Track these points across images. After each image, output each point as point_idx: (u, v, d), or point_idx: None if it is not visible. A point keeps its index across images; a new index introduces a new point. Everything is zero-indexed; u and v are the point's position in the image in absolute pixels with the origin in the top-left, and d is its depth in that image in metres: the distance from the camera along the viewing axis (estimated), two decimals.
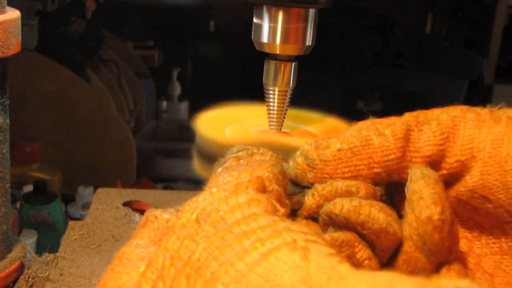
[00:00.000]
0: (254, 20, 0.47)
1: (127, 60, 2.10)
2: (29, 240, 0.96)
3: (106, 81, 1.79)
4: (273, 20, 0.45)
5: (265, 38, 0.46)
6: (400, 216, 0.34)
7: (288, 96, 0.48)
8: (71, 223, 0.59)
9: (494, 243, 0.34)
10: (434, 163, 0.34)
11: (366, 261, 0.31)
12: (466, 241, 0.35)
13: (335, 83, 2.29)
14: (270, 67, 0.48)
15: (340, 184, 0.34)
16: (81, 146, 1.57)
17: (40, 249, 0.80)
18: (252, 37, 0.47)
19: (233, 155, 0.34)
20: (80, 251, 0.54)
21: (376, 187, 0.34)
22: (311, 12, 0.46)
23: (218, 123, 0.50)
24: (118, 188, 0.69)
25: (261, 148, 0.35)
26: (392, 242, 0.32)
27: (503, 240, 0.34)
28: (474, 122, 0.34)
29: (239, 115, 0.53)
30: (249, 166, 0.32)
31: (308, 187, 0.36)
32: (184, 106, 2.45)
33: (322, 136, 0.51)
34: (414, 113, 0.35)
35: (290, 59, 0.47)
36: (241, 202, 0.27)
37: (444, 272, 0.31)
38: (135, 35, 2.40)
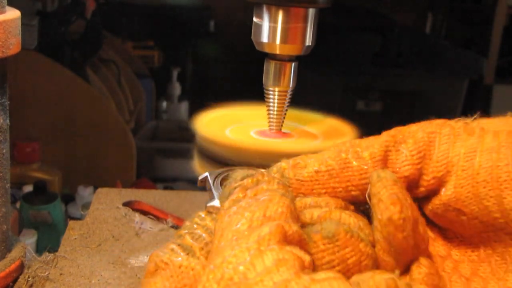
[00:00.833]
0: (254, 20, 0.47)
1: (127, 60, 2.10)
2: (29, 240, 0.96)
3: (106, 81, 1.79)
4: (273, 20, 0.45)
5: (265, 38, 0.46)
6: None
7: (288, 96, 0.48)
8: (71, 223, 0.59)
9: (472, 251, 0.34)
10: (413, 182, 0.34)
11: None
12: (445, 247, 0.35)
13: (335, 83, 2.29)
14: (270, 67, 0.48)
15: (309, 200, 0.34)
16: (81, 146, 1.57)
17: (40, 249, 0.80)
18: (252, 37, 0.47)
19: (238, 185, 0.33)
20: (80, 251, 0.54)
21: (348, 204, 0.34)
22: (311, 12, 0.46)
23: (218, 123, 0.50)
24: (118, 188, 0.69)
25: (265, 173, 0.34)
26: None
27: (482, 248, 0.34)
28: (449, 136, 0.34)
29: (239, 115, 0.53)
30: (260, 203, 0.30)
31: None
32: (184, 106, 2.45)
33: (322, 140, 0.51)
34: (392, 132, 0.35)
35: (290, 59, 0.47)
36: (268, 266, 0.26)
37: (414, 269, 0.31)
38: (135, 35, 2.40)
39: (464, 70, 2.36)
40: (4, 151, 0.47)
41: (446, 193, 0.33)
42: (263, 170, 0.35)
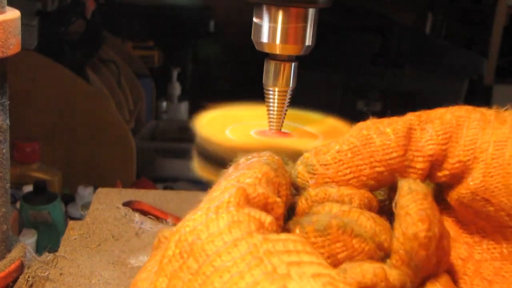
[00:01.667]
0: (254, 20, 0.47)
1: (127, 60, 2.10)
2: (29, 240, 0.96)
3: (106, 81, 1.79)
4: (273, 20, 0.45)
5: (265, 38, 0.46)
6: None
7: (288, 96, 0.48)
8: (71, 223, 0.59)
9: (495, 248, 0.34)
10: (436, 163, 0.33)
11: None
12: (467, 246, 0.35)
13: (335, 83, 2.29)
14: (270, 67, 0.48)
15: (334, 191, 0.33)
16: (81, 146, 1.57)
17: (40, 249, 0.80)
18: (252, 37, 0.47)
19: (234, 161, 0.34)
20: (80, 251, 0.54)
21: (373, 198, 0.34)
22: (311, 12, 0.46)
23: (218, 124, 0.50)
24: (118, 188, 0.69)
25: (263, 152, 0.34)
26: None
27: (504, 245, 0.33)
28: (479, 122, 0.33)
29: (239, 115, 0.53)
30: (239, 171, 0.31)
31: None
32: (184, 106, 2.45)
33: (322, 140, 0.51)
34: (417, 113, 0.35)
35: (290, 59, 0.47)
36: (222, 227, 0.27)
37: (429, 286, 0.31)
38: (135, 35, 2.40)
39: (464, 70, 2.36)
40: (4, 151, 0.47)
41: (475, 181, 0.32)
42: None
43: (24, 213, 1.13)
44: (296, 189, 0.35)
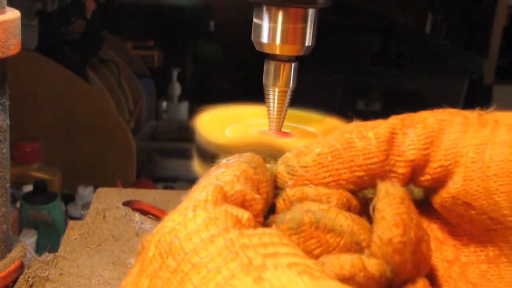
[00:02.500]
0: (254, 20, 0.47)
1: (127, 60, 2.10)
2: (29, 239, 0.96)
3: (106, 81, 1.79)
4: (273, 20, 0.45)
5: (265, 38, 0.46)
6: None
7: (288, 96, 0.48)
8: (71, 222, 0.59)
9: (481, 251, 0.33)
10: (418, 168, 0.33)
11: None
12: (454, 249, 0.34)
13: (335, 83, 2.29)
14: (270, 67, 0.48)
15: (311, 191, 0.33)
16: (81, 146, 1.57)
17: (40, 249, 0.80)
18: (252, 37, 0.47)
19: (215, 162, 0.34)
20: (80, 251, 0.54)
21: (352, 197, 0.33)
22: (311, 12, 0.46)
23: (218, 123, 0.50)
24: (118, 188, 0.69)
25: (252, 154, 0.34)
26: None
27: (490, 248, 0.33)
28: (461, 126, 0.33)
29: (239, 115, 0.53)
30: (219, 169, 0.31)
31: None
32: (184, 106, 2.45)
33: (308, 142, 0.51)
34: (401, 116, 0.34)
35: (290, 59, 0.47)
36: (199, 224, 0.27)
37: None
38: (135, 35, 2.40)
39: (464, 70, 2.36)
40: (4, 151, 0.47)
41: (455, 185, 0.32)
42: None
43: (24, 213, 1.13)
44: (277, 188, 0.35)
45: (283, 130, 0.49)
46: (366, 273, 0.28)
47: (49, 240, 0.71)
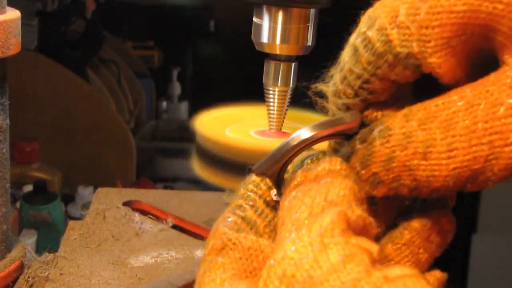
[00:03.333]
0: (254, 20, 0.47)
1: (127, 60, 2.10)
2: (29, 240, 0.96)
3: (106, 81, 1.79)
4: (273, 20, 0.45)
5: (265, 38, 0.46)
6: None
7: (288, 96, 0.48)
8: (71, 222, 0.59)
9: None
10: None
11: None
12: None
13: None
14: (270, 67, 0.48)
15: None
16: (81, 146, 1.57)
17: (40, 249, 0.80)
18: (252, 37, 0.47)
19: (299, 168, 0.31)
20: (80, 251, 0.54)
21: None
22: (311, 12, 0.46)
23: (218, 123, 0.50)
24: (118, 188, 0.69)
25: (327, 153, 0.32)
26: None
27: None
28: None
29: (239, 115, 0.53)
30: (321, 186, 0.28)
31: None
32: (184, 106, 2.45)
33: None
34: None
35: (290, 59, 0.47)
36: (334, 263, 0.24)
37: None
38: (135, 35, 2.40)
39: None
40: (4, 151, 0.47)
41: None
42: (323, 150, 0.32)
43: (24, 213, 1.13)
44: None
45: (283, 129, 0.49)
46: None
47: (49, 240, 0.71)
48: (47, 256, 0.51)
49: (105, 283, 0.49)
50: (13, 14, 0.45)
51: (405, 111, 0.29)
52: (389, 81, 0.31)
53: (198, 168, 0.49)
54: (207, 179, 0.49)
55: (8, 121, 0.47)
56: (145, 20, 2.49)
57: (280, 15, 0.45)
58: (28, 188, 1.25)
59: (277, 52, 0.47)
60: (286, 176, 0.31)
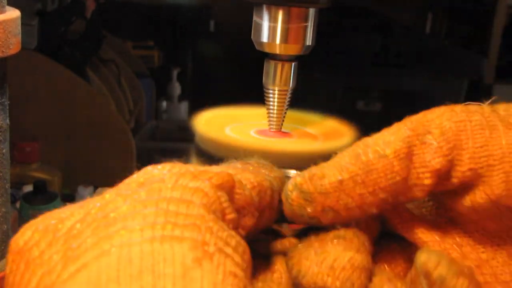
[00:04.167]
0: (254, 19, 0.47)
1: (127, 60, 2.10)
2: None
3: (106, 81, 1.79)
4: (273, 19, 0.45)
5: (265, 38, 0.46)
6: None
7: (288, 96, 0.48)
8: None
9: (499, 246, 0.33)
10: (443, 174, 0.32)
11: None
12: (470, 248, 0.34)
13: (335, 83, 2.29)
14: (270, 67, 0.48)
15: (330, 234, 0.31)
16: (81, 146, 1.57)
17: None
18: (252, 37, 0.47)
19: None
20: None
21: (368, 238, 0.32)
22: (311, 12, 0.46)
23: (217, 123, 0.50)
24: None
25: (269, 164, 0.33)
26: None
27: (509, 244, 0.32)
28: (482, 127, 0.32)
29: (238, 114, 0.53)
30: (236, 167, 0.31)
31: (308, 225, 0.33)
32: (184, 106, 2.45)
33: (320, 143, 0.50)
34: (409, 125, 0.32)
35: (290, 59, 0.47)
36: (189, 186, 0.26)
37: None
38: (135, 35, 2.40)
39: (464, 70, 2.36)
40: (4, 150, 0.47)
41: (496, 190, 0.31)
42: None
43: (24, 213, 1.13)
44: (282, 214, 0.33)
45: (283, 130, 0.49)
46: None
47: None
48: None
49: None
50: (13, 13, 0.45)
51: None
52: None
53: None
54: None
55: (8, 121, 0.47)
56: (145, 20, 2.49)
57: (280, 15, 0.45)
58: (28, 188, 1.25)
59: (277, 51, 0.47)
60: None
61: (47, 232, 0.26)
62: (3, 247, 0.48)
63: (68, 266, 0.24)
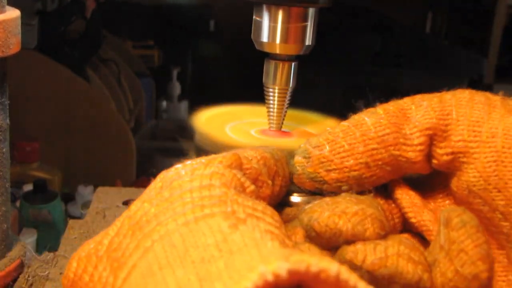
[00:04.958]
0: (254, 19, 0.47)
1: (127, 59, 2.10)
2: (29, 239, 0.96)
3: (106, 81, 1.79)
4: (273, 19, 0.45)
5: (265, 38, 0.46)
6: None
7: (288, 95, 0.48)
8: (71, 222, 0.59)
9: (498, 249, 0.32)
10: (436, 139, 0.32)
11: None
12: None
13: (335, 83, 2.29)
14: (270, 66, 0.48)
15: (342, 223, 0.30)
16: (81, 145, 1.57)
17: (40, 248, 0.80)
18: (252, 37, 0.47)
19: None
20: None
21: (382, 215, 0.31)
22: (311, 11, 0.46)
23: (217, 121, 0.50)
24: (118, 187, 0.69)
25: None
26: None
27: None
28: (484, 105, 0.32)
29: (239, 113, 0.53)
30: (241, 149, 0.33)
31: (315, 193, 0.35)
32: (183, 105, 2.45)
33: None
34: (411, 96, 0.35)
35: (290, 58, 0.47)
36: (205, 174, 0.28)
37: None
38: (135, 35, 2.40)
39: (464, 70, 2.36)
40: (4, 150, 0.47)
41: (487, 169, 0.31)
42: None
43: (24, 212, 1.13)
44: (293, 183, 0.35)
45: (283, 129, 0.49)
46: None
47: (49, 239, 0.71)
48: (47, 255, 0.51)
49: None
50: (13, 13, 0.45)
51: None
52: None
53: None
54: None
55: (8, 120, 0.47)
56: (145, 20, 2.49)
57: (280, 15, 0.45)
58: (28, 187, 1.25)
59: (277, 51, 0.47)
60: None
61: (90, 257, 0.27)
62: (3, 246, 0.48)
63: (119, 274, 0.25)
